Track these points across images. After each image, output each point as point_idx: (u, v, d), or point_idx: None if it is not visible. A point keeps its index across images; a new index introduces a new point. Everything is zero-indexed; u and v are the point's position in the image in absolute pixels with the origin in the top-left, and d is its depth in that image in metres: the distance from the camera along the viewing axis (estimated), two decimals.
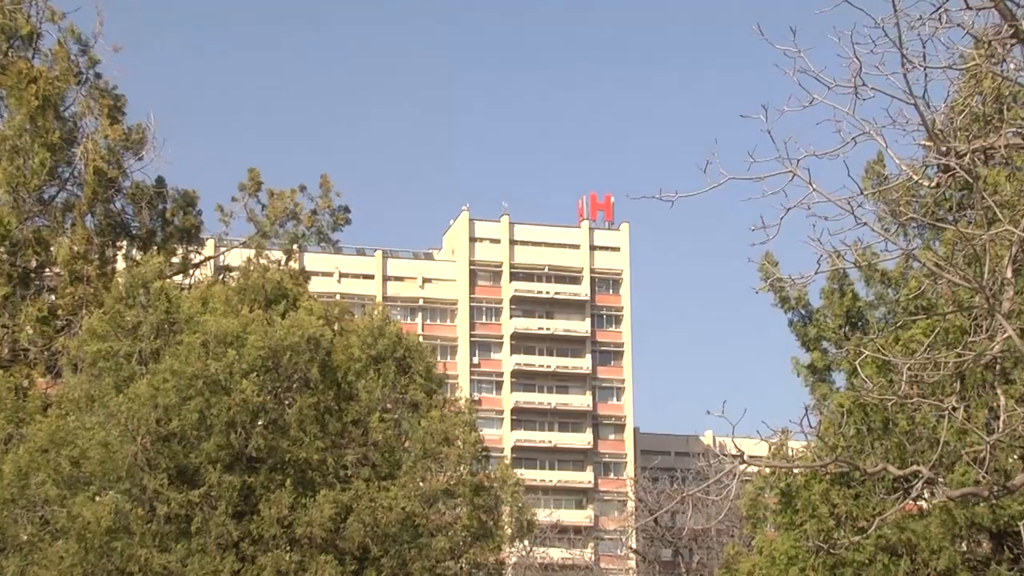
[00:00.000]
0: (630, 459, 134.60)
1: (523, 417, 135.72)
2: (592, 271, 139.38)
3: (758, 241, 12.44)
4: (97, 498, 29.76)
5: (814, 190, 12.20)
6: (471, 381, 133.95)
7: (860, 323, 36.60)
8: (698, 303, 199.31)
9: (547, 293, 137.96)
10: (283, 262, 43.76)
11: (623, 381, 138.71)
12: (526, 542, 70.21)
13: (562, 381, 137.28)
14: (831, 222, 12.43)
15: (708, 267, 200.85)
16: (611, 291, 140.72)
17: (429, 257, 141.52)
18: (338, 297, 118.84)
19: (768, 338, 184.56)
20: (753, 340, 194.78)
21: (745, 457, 12.96)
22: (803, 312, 37.56)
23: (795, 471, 27.73)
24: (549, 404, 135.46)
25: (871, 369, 21.58)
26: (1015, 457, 22.80)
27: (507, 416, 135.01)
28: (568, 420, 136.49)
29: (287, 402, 31.24)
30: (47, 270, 41.10)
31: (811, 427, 14.38)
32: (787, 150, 12.16)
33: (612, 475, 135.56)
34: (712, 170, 12.22)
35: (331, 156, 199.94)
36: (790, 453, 29.84)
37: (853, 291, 36.91)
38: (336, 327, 33.64)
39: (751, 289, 17.57)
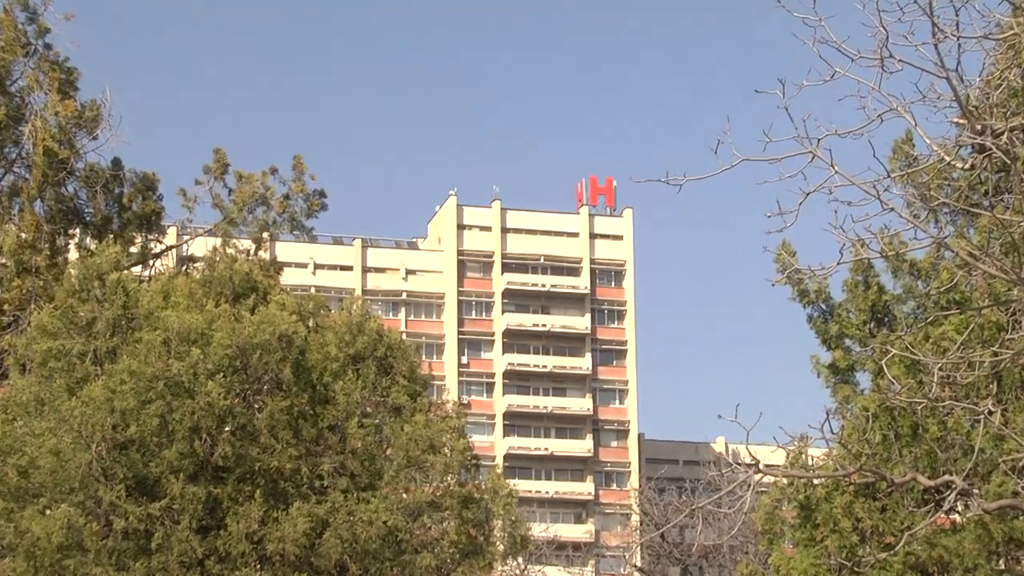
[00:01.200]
0: (634, 468, 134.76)
1: (516, 422, 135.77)
2: (592, 262, 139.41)
3: (774, 229, 12.47)
4: (47, 512, 29.72)
5: (836, 172, 12.20)
6: (459, 382, 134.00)
7: (887, 319, 36.62)
8: (709, 297, 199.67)
9: (543, 286, 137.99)
10: (252, 252, 43.70)
11: (626, 382, 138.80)
12: (520, 560, 70.28)
13: (559, 382, 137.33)
14: (855, 208, 12.45)
15: (720, 257, 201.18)
16: (613, 284, 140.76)
17: (413, 247, 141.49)
18: (313, 290, 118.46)
19: (785, 335, 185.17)
20: (769, 337, 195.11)
21: (760, 466, 12.96)
22: (824, 307, 37.56)
23: (815, 481, 27.74)
24: (545, 408, 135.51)
25: (899, 369, 21.60)
26: None
27: (499, 421, 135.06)
28: (566, 425, 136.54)
29: (257, 406, 31.21)
30: None
31: (833, 433, 14.40)
32: (806, 129, 12.17)
33: (614, 486, 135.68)
34: (724, 151, 12.23)
35: (306, 137, 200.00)
36: (810, 462, 29.84)
37: (879, 283, 36.92)
38: (311, 323, 33.59)
39: (767, 282, 17.51)
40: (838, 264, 12.86)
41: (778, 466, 16.14)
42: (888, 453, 25.08)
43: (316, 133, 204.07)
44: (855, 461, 20.55)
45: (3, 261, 40.65)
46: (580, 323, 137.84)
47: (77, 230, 42.86)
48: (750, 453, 13.23)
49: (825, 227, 12.50)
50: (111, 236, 41.27)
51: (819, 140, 12.20)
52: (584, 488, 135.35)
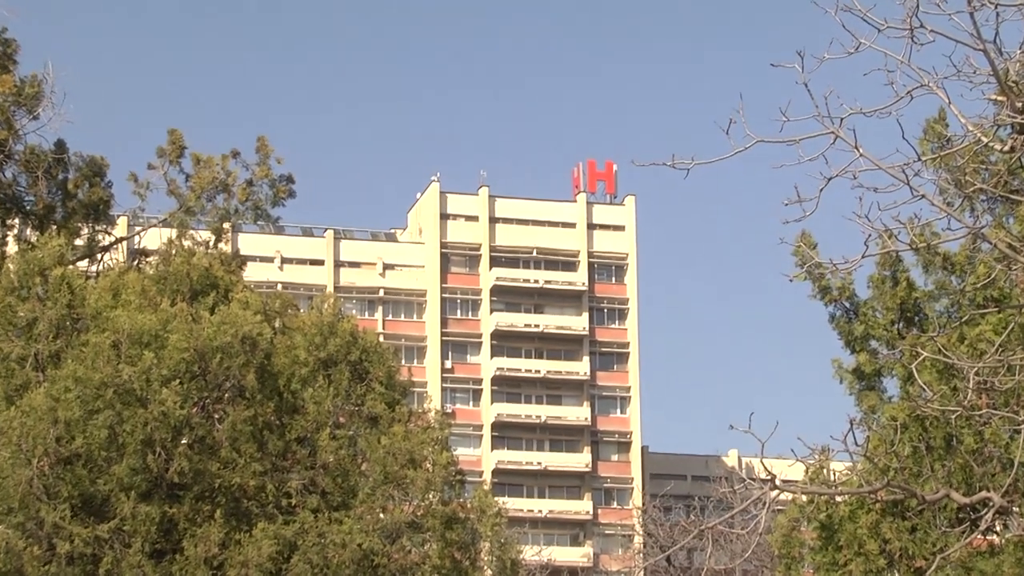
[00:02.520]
0: (637, 484, 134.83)
1: (506, 433, 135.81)
2: (591, 255, 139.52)
3: (793, 218, 12.46)
4: None
5: (861, 155, 12.20)
6: (443, 389, 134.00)
7: (917, 318, 36.67)
8: (719, 294, 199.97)
9: (535, 282, 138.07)
10: (212, 244, 43.65)
11: (628, 389, 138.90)
12: None
13: (554, 389, 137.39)
14: (882, 194, 12.44)
15: (732, 250, 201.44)
16: (614, 279, 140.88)
17: (391, 239, 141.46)
18: (280, 287, 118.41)
19: (805, 337, 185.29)
20: (787, 339, 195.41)
21: (777, 482, 12.95)
22: (848, 305, 37.63)
23: (838, 499, 27.77)
24: (538, 417, 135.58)
25: (930, 374, 21.63)
26: None
27: (487, 432, 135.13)
28: (561, 437, 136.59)
29: (217, 416, 31.20)
30: None
31: (857, 445, 14.42)
32: (828, 106, 12.16)
33: (615, 504, 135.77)
34: (736, 131, 12.21)
35: (271, 117, 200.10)
36: (832, 477, 29.89)
37: (908, 279, 36.97)
38: (277, 324, 33.59)
39: (784, 277, 17.51)
40: (863, 257, 12.82)
41: (797, 482, 16.16)
42: (919, 467, 25.10)
43: (283, 113, 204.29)
44: (882, 476, 20.57)
45: None
46: (577, 323, 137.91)
47: (16, 220, 42.79)
48: (765, 467, 13.23)
49: (849, 216, 12.49)
50: (54, 227, 41.22)
51: (842, 119, 12.20)
52: (581, 507, 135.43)
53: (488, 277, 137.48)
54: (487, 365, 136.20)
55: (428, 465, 32.13)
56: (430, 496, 32.06)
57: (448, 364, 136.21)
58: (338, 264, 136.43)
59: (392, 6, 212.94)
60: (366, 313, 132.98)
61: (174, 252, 37.67)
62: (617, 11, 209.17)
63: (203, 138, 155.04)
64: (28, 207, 42.87)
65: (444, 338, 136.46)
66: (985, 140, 12.84)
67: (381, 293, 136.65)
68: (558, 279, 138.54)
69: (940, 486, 17.70)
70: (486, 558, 32.86)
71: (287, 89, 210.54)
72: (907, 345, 28.22)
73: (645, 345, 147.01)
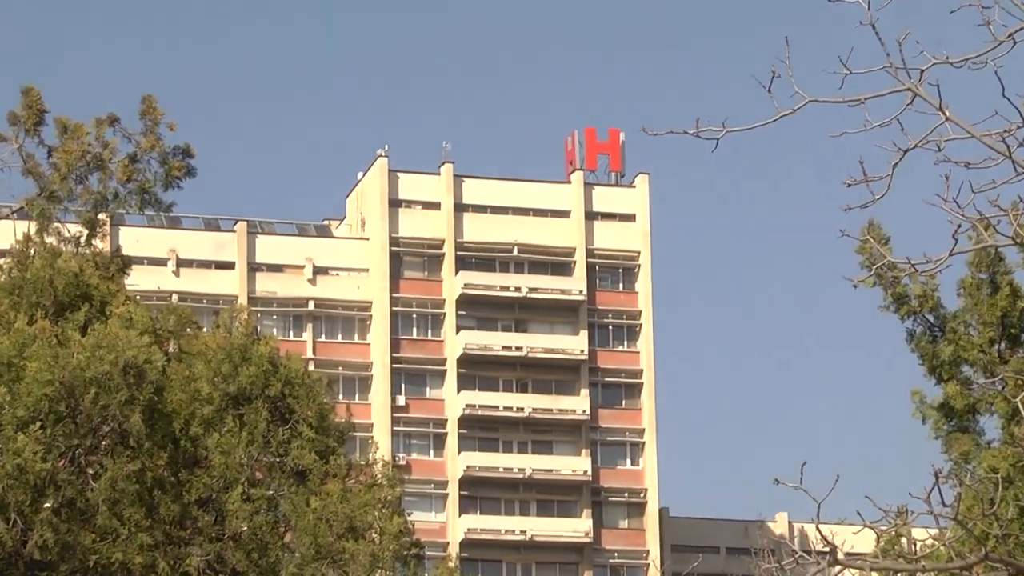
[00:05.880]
0: (654, 559, 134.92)
1: (479, 492, 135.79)
2: (590, 253, 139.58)
3: (856, 204, 12.47)
4: None
5: (947, 119, 12.21)
6: (394, 434, 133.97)
7: None
8: (758, 305, 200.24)
9: (517, 290, 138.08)
10: (83, 241, 43.63)
11: (641, 433, 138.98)
12: None
13: (542, 433, 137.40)
14: (975, 171, 12.45)
15: (774, 247, 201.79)
16: (621, 286, 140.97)
17: (324, 233, 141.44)
18: (175, 298, 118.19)
19: (874, 361, 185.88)
20: (850, 365, 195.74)
21: (839, 555, 12.99)
22: (932, 319, 37.68)
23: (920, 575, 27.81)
24: (521, 471, 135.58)
25: None
26: None
27: (453, 491, 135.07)
28: (552, 496, 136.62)
29: (92, 471, 31.16)
30: None
31: (945, 506, 14.49)
32: (903, 55, 12.16)
33: None
34: (781, 88, 12.22)
35: (163, 74, 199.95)
36: (912, 548, 29.93)
37: (1012, 284, 37.04)
38: (172, 347, 33.55)
39: (846, 281, 17.38)
40: (951, 255, 12.85)
41: (865, 555, 16.22)
42: None
43: (177, 69, 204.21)
44: (978, 546, 20.64)
45: None
46: (572, 345, 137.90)
47: None
48: (823, 536, 13.26)
49: (931, 200, 12.49)
50: None
51: (922, 72, 12.19)
52: None
53: (454, 284, 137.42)
54: (453, 401, 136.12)
55: (374, 535, 32.12)
56: None
57: (401, 400, 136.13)
58: (253, 267, 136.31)
59: None
60: (290, 332, 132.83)
61: (32, 253, 37.61)
62: None
63: (71, 101, 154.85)
64: None
65: (395, 365, 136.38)
66: None
67: (311, 306, 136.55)
68: (547, 286, 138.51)
69: None
70: None
71: (183, 39, 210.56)
72: (1011, 372, 28.31)
73: (663, 374, 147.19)
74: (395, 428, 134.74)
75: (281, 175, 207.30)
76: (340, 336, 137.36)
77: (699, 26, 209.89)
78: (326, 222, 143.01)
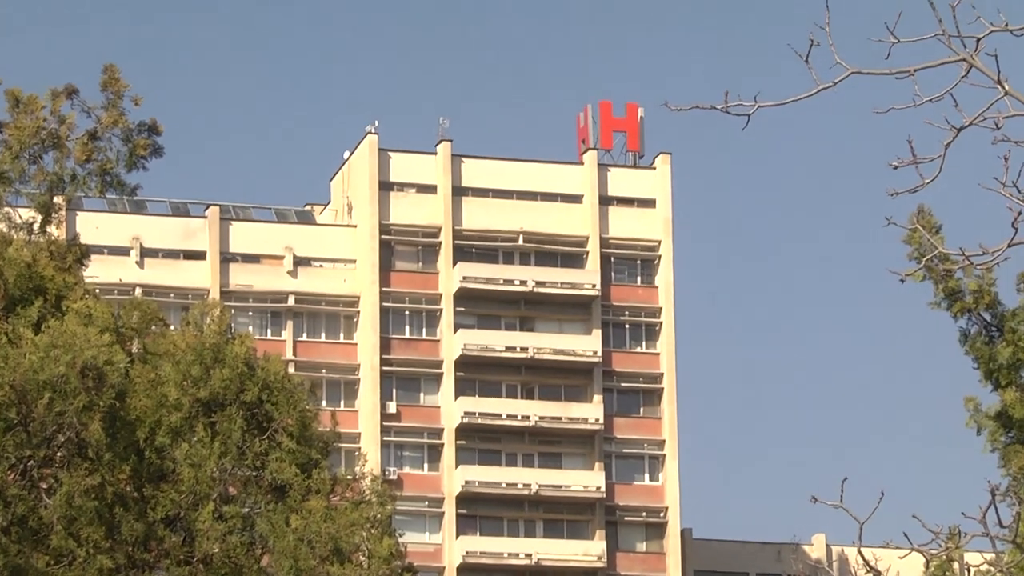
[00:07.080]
0: None
1: (480, 510, 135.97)
2: (604, 243, 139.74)
3: (904, 188, 12.43)
4: None
5: (1007, 94, 12.14)
6: (384, 444, 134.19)
7: None
8: (792, 301, 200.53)
9: (522, 284, 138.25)
10: (37, 228, 43.70)
11: (661, 444, 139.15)
12: None
13: (550, 444, 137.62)
14: None
15: (810, 235, 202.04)
16: (640, 279, 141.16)
17: (306, 219, 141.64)
18: (139, 292, 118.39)
19: (924, 364, 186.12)
20: (896, 367, 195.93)
21: None
22: (988, 317, 37.68)
23: None
24: (527, 486, 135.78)
25: None
26: None
27: (450, 508, 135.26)
28: (561, 516, 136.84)
29: (46, 485, 31.15)
30: None
31: (1003, 526, 14.41)
32: (957, 21, 12.09)
33: None
34: (820, 58, 12.16)
35: (128, 45, 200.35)
36: (966, 574, 29.97)
37: None
38: (136, 347, 33.55)
39: (893, 275, 17.37)
40: (1010, 246, 12.80)
41: None
42: None
43: (144, 35, 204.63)
44: None
45: None
46: (584, 345, 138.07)
47: None
48: (864, 561, 13.20)
49: (989, 184, 12.43)
50: None
51: (978, 40, 12.12)
52: None
53: (451, 277, 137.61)
54: (449, 409, 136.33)
55: (362, 558, 32.16)
56: None
57: (392, 407, 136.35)
58: (226, 258, 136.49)
59: None
60: (268, 331, 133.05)
61: None
62: None
63: (24, 71, 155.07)
64: None
65: (385, 368, 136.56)
66: None
67: (291, 301, 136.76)
68: (555, 279, 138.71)
69: None
70: None
71: (148, 3, 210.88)
72: None
73: (685, 378, 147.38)
74: (385, 438, 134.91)
75: (258, 155, 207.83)
76: (324, 335, 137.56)
77: None
78: (308, 207, 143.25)
